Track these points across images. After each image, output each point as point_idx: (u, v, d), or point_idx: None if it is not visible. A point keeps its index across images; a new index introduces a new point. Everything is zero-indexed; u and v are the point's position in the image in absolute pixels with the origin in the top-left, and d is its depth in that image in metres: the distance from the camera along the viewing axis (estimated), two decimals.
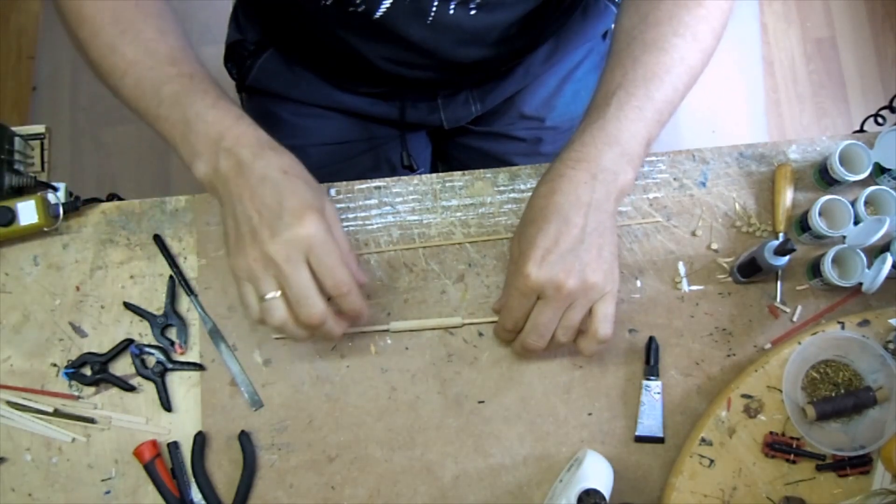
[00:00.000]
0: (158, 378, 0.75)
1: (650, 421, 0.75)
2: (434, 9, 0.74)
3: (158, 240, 0.79)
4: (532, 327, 0.67)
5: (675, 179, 0.81)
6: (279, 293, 0.61)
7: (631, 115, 0.65)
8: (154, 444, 0.73)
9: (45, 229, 0.77)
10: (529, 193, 0.80)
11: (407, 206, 0.81)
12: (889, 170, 0.78)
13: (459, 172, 0.82)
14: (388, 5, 0.73)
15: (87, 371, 0.75)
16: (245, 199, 0.61)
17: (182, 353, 0.77)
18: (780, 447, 0.72)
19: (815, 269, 0.76)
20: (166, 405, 0.75)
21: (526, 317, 0.68)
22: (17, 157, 0.78)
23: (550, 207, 0.64)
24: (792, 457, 0.72)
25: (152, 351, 0.76)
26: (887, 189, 0.76)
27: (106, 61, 0.66)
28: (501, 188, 0.81)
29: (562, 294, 0.64)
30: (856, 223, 0.76)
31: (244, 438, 0.74)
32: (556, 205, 0.64)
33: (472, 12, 0.75)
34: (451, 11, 0.74)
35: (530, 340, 0.68)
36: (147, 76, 0.64)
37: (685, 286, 0.79)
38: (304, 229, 0.60)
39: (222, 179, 0.62)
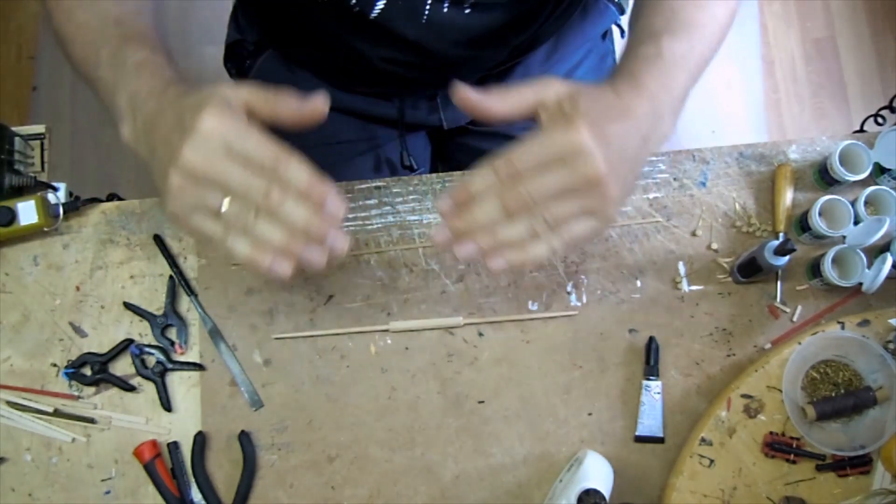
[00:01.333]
0: (158, 378, 0.75)
1: (650, 421, 0.75)
2: (428, 8, 0.74)
3: (158, 240, 0.79)
4: (532, 183, 0.52)
5: (675, 179, 0.81)
6: (228, 199, 0.52)
7: (680, 62, 0.60)
8: (154, 444, 0.73)
9: (45, 229, 0.77)
10: None
11: (407, 206, 0.81)
12: (889, 170, 0.78)
13: (459, 172, 0.82)
14: (382, 5, 0.73)
15: (87, 371, 0.75)
16: (157, 143, 0.55)
17: (182, 353, 0.77)
18: (780, 447, 0.72)
19: (815, 269, 0.76)
20: (166, 405, 0.75)
21: (529, 171, 0.53)
22: (17, 157, 0.78)
23: (631, 109, 0.55)
24: (792, 457, 0.72)
25: (152, 351, 0.76)
26: (887, 189, 0.76)
27: (62, 28, 0.65)
28: None
29: (591, 172, 0.51)
30: (856, 223, 0.76)
31: (244, 438, 0.74)
32: (638, 112, 0.55)
33: (467, 11, 0.75)
34: (445, 10, 0.74)
35: (517, 193, 0.52)
36: (90, 39, 0.63)
37: (685, 286, 0.79)
38: (209, 120, 0.51)
39: (143, 136, 0.57)
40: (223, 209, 0.52)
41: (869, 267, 0.73)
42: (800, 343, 0.73)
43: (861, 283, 0.73)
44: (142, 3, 0.66)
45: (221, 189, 0.52)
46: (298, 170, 0.52)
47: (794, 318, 0.78)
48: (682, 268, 0.79)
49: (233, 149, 0.52)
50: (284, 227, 0.53)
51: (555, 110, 0.54)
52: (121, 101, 0.59)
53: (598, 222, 0.54)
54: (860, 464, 0.71)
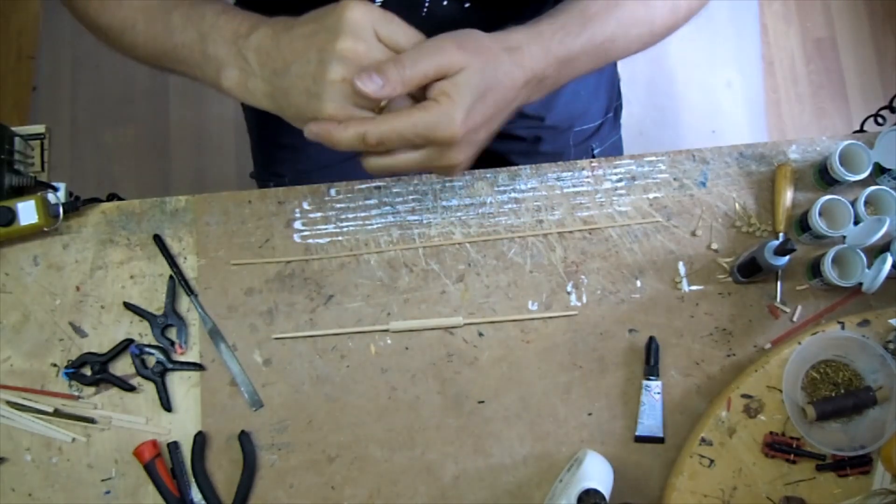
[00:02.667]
0: (158, 378, 0.75)
1: (650, 421, 0.75)
2: (427, 1, 0.74)
3: (158, 240, 0.79)
4: (395, 161, 0.58)
5: (675, 179, 0.81)
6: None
7: (592, 52, 0.64)
8: (154, 444, 0.73)
9: (45, 229, 0.77)
10: (529, 193, 0.81)
11: (407, 206, 0.81)
12: (889, 170, 0.78)
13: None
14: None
15: (87, 371, 0.75)
16: (291, 57, 0.57)
17: (182, 353, 0.77)
18: (780, 447, 0.72)
19: (815, 269, 0.76)
20: (166, 405, 0.75)
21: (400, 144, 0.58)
22: (17, 157, 0.78)
23: (516, 95, 0.60)
24: (792, 457, 0.72)
25: (152, 351, 0.76)
26: (887, 189, 0.76)
27: (116, 19, 0.65)
28: (501, 188, 0.81)
29: (444, 160, 0.58)
30: (856, 223, 0.76)
31: (244, 438, 0.74)
32: (518, 96, 0.60)
33: (466, 6, 0.75)
34: (445, 3, 0.74)
35: (386, 162, 0.59)
36: (157, 15, 0.63)
37: (685, 286, 0.79)
38: (354, 12, 0.55)
39: (259, 69, 0.59)
40: (387, 91, 0.54)
41: (869, 267, 0.72)
42: (800, 343, 0.73)
43: (861, 283, 0.73)
44: None
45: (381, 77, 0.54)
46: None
47: (794, 318, 0.78)
48: (682, 268, 0.79)
49: (382, 35, 0.56)
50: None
51: (439, 92, 0.57)
52: (216, 49, 0.60)
53: (435, 172, 0.60)
54: (860, 464, 0.71)
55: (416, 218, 0.80)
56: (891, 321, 0.74)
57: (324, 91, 0.56)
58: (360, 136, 0.56)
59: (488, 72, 0.58)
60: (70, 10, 0.69)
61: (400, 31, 0.57)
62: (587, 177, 0.81)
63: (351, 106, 0.56)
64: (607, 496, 0.66)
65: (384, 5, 0.74)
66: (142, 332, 0.77)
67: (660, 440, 0.75)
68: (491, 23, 0.79)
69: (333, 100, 0.56)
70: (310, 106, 0.57)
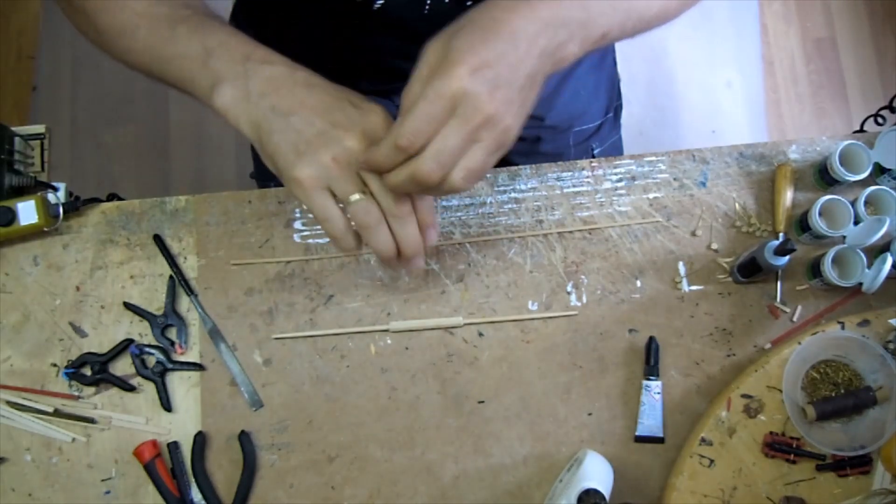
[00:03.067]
0: (158, 378, 0.75)
1: (650, 421, 0.75)
2: (429, 0, 0.74)
3: (158, 240, 0.79)
4: (436, 151, 0.53)
5: (675, 179, 0.81)
6: (364, 193, 0.55)
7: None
8: (154, 444, 0.73)
9: (45, 229, 0.77)
10: (530, 193, 0.80)
11: None
12: (889, 170, 0.78)
13: None
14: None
15: (87, 371, 0.75)
16: (298, 108, 0.56)
17: (182, 353, 0.77)
18: (780, 447, 0.72)
19: (815, 269, 0.76)
20: (166, 405, 0.75)
21: (428, 137, 0.54)
22: (17, 157, 0.78)
23: (503, 21, 0.54)
24: (792, 457, 0.72)
25: (152, 351, 0.76)
26: (887, 189, 0.76)
27: (117, 21, 0.65)
28: (501, 188, 0.81)
29: (480, 116, 0.52)
30: (856, 223, 0.76)
31: (244, 438, 0.74)
32: (511, 22, 0.54)
33: (469, 3, 0.75)
34: (447, 0, 0.74)
35: (426, 167, 0.53)
36: (161, 23, 0.63)
37: (685, 286, 0.79)
38: (377, 116, 0.55)
39: (258, 97, 0.57)
40: (353, 199, 0.55)
41: (869, 267, 0.72)
42: (800, 343, 0.73)
43: (861, 283, 0.73)
44: None
45: (360, 184, 0.55)
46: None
47: (794, 318, 0.78)
48: (682, 268, 0.79)
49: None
50: (399, 239, 0.58)
51: (433, 59, 0.54)
52: (220, 65, 0.59)
53: (501, 150, 0.56)
54: (860, 464, 0.71)
55: None
56: (891, 321, 0.74)
57: (308, 157, 0.55)
58: (391, 144, 0.54)
59: (477, 19, 0.55)
60: (63, 6, 0.68)
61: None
62: (587, 177, 0.81)
63: (322, 185, 0.56)
64: (607, 496, 0.66)
65: (386, 5, 0.74)
66: (142, 332, 0.77)
67: (660, 440, 0.75)
68: None
69: (311, 168, 0.55)
70: (287, 159, 0.56)
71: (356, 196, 0.55)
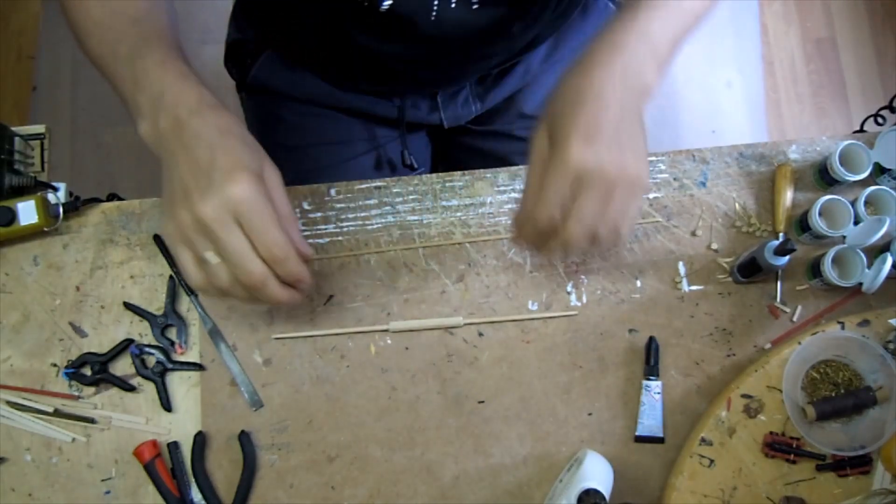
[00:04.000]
0: (158, 378, 0.75)
1: (650, 421, 0.75)
2: (436, 2, 0.74)
3: (158, 240, 0.79)
4: (578, 219, 0.59)
5: (675, 179, 0.81)
6: (216, 257, 0.59)
7: (663, 13, 0.62)
8: (154, 444, 0.73)
9: (45, 229, 0.77)
10: None
11: (407, 206, 0.81)
12: (889, 170, 0.78)
13: (459, 172, 0.82)
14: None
15: (87, 371, 0.75)
16: (179, 158, 0.59)
17: (182, 353, 0.77)
18: (780, 447, 0.72)
19: (815, 269, 0.76)
20: (166, 405, 0.75)
21: (562, 210, 0.60)
22: (17, 157, 0.78)
23: (586, 87, 0.59)
24: (792, 457, 0.72)
25: (152, 351, 0.76)
26: (887, 189, 0.76)
27: (79, 23, 0.66)
28: (501, 188, 0.81)
29: (608, 179, 0.57)
30: (856, 223, 0.76)
31: (244, 438, 0.74)
32: (592, 85, 0.59)
33: (475, 7, 0.75)
34: (453, 5, 0.74)
35: (577, 232, 0.59)
36: (108, 36, 0.64)
37: (685, 286, 0.79)
38: (234, 189, 0.57)
39: (161, 138, 0.60)
40: (208, 260, 0.59)
41: (869, 267, 0.73)
42: (800, 343, 0.73)
43: (861, 283, 0.73)
44: (156, 2, 0.67)
45: (216, 247, 0.58)
46: (290, 270, 0.60)
47: (794, 318, 0.78)
48: (682, 268, 0.79)
49: (244, 222, 0.57)
50: (254, 296, 0.61)
51: (541, 146, 0.61)
52: (142, 99, 0.61)
53: (639, 192, 0.61)
54: (860, 464, 0.71)
55: (416, 218, 0.80)
56: (891, 321, 0.74)
57: (172, 211, 0.59)
58: (533, 227, 0.61)
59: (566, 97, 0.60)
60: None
61: (263, 231, 0.59)
62: None
63: (181, 239, 0.59)
64: (607, 496, 0.66)
65: (391, 11, 0.74)
66: (142, 332, 0.77)
67: (660, 440, 0.75)
68: (498, 23, 0.80)
69: (172, 222, 0.59)
70: (163, 204, 0.62)
71: (209, 255, 0.59)
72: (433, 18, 0.75)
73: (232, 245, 0.57)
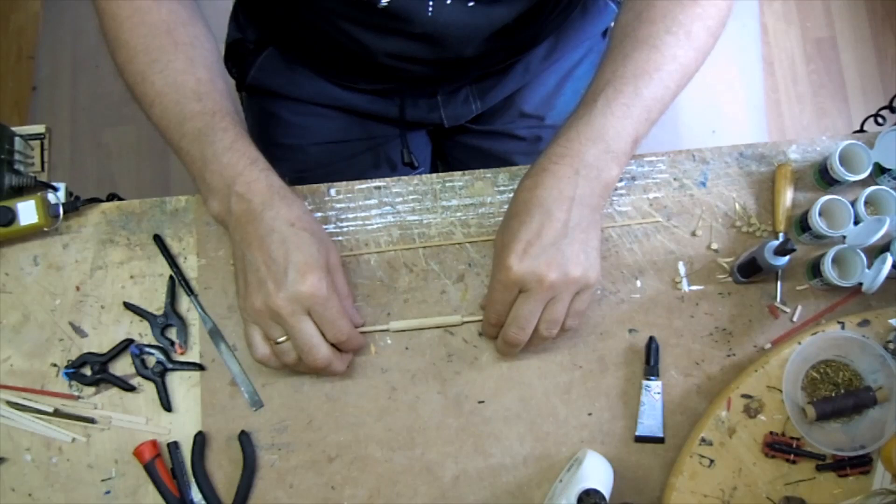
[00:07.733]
0: (158, 378, 0.75)
1: (650, 421, 0.75)
2: (432, 2, 0.74)
3: (158, 240, 0.79)
4: (513, 319, 0.68)
5: (675, 179, 0.81)
6: (286, 338, 0.66)
7: (618, 111, 0.66)
8: (154, 444, 0.73)
9: (45, 229, 0.77)
10: None
11: (407, 206, 0.81)
12: (889, 170, 0.78)
13: (459, 172, 0.82)
14: None
15: (87, 371, 0.75)
16: (254, 248, 0.65)
17: (182, 353, 0.77)
18: (780, 447, 0.72)
19: (815, 269, 0.76)
20: (166, 405, 0.75)
21: (509, 310, 0.68)
22: (17, 157, 0.78)
23: (533, 201, 0.65)
24: (792, 457, 0.72)
25: (152, 351, 0.76)
26: (887, 189, 0.76)
27: (137, 88, 0.70)
28: (501, 188, 0.81)
29: (543, 286, 0.64)
30: (856, 223, 0.76)
31: (244, 438, 0.74)
32: (539, 198, 0.65)
33: (470, 4, 0.75)
34: (449, 2, 0.74)
35: (510, 332, 0.68)
36: (172, 110, 0.67)
37: (685, 286, 0.79)
38: (306, 287, 0.64)
39: (234, 221, 0.66)
40: (278, 341, 0.67)
41: (869, 267, 0.73)
42: (800, 343, 0.73)
43: (861, 283, 0.73)
44: (209, 63, 0.71)
45: (288, 333, 0.66)
46: (353, 345, 0.71)
47: (794, 318, 0.78)
48: (682, 268, 0.79)
49: (314, 314, 0.66)
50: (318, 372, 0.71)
51: (494, 254, 0.70)
52: (212, 180, 0.66)
53: (587, 289, 0.68)
54: (860, 464, 0.71)
55: (416, 218, 0.80)
56: (891, 321, 0.74)
57: (247, 297, 0.67)
58: (487, 322, 0.72)
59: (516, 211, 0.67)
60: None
61: (331, 321, 0.67)
62: None
63: (252, 321, 0.68)
64: (607, 496, 0.66)
65: (388, 8, 0.74)
66: (142, 332, 0.77)
67: (660, 440, 0.75)
68: (493, 21, 0.80)
69: (248, 310, 0.67)
70: (238, 287, 0.68)
71: (281, 339, 0.67)
72: (430, 15, 0.75)
73: (303, 334, 0.65)
